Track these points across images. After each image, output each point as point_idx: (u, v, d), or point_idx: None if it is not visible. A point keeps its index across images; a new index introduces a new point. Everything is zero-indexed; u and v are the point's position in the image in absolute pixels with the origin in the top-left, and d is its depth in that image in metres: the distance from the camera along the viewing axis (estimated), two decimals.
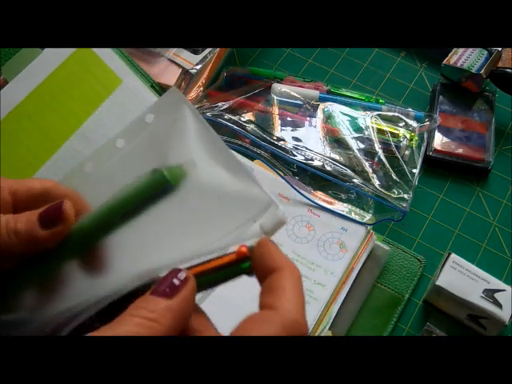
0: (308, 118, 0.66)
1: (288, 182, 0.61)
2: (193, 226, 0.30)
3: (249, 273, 0.30)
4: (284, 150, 0.62)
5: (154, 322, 0.27)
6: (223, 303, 0.54)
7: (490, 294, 0.55)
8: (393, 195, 0.60)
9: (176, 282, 0.28)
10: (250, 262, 0.30)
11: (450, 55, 0.71)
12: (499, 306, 0.55)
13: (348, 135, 0.65)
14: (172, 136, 0.32)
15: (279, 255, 0.31)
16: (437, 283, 0.56)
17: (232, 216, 0.30)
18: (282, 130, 0.65)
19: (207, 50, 0.68)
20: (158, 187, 0.30)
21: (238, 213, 0.30)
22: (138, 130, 0.33)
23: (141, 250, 0.31)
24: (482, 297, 0.55)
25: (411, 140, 0.65)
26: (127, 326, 0.26)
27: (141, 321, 0.26)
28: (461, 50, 0.71)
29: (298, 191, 0.61)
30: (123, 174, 0.32)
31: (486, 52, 0.70)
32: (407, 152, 0.65)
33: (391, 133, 0.65)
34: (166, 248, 0.30)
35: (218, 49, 0.70)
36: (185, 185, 0.30)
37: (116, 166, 0.33)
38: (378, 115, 0.66)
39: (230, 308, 0.54)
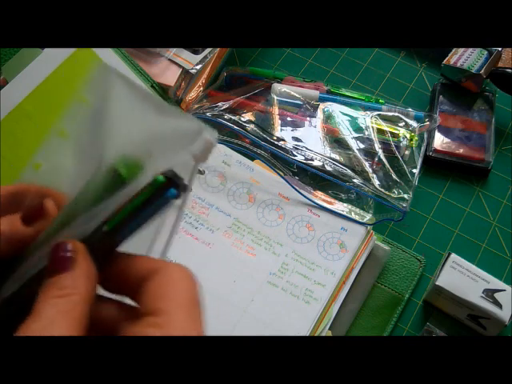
0: (308, 118, 0.66)
1: (288, 182, 0.61)
2: None
3: (169, 197, 0.28)
4: (284, 150, 0.62)
5: (69, 295, 0.27)
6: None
7: (490, 293, 0.55)
8: (393, 195, 0.60)
9: (66, 254, 0.28)
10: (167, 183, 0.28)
11: (450, 55, 0.71)
12: (499, 305, 0.55)
13: (348, 135, 0.65)
14: (107, 113, 0.32)
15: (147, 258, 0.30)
16: (437, 283, 0.56)
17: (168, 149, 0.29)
18: (281, 129, 0.65)
19: (207, 50, 0.68)
20: (115, 185, 0.30)
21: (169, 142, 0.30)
22: (75, 111, 0.33)
23: None
24: (481, 297, 0.55)
25: (411, 140, 0.65)
26: (48, 311, 0.26)
27: (57, 300, 0.27)
28: (461, 49, 0.71)
29: (298, 191, 0.61)
30: (74, 164, 0.32)
31: (485, 52, 0.70)
32: (407, 152, 0.65)
33: (391, 133, 0.65)
34: None
35: (217, 49, 0.70)
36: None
37: (64, 158, 0.32)
38: (378, 115, 0.66)
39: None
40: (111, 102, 0.32)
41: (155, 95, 0.32)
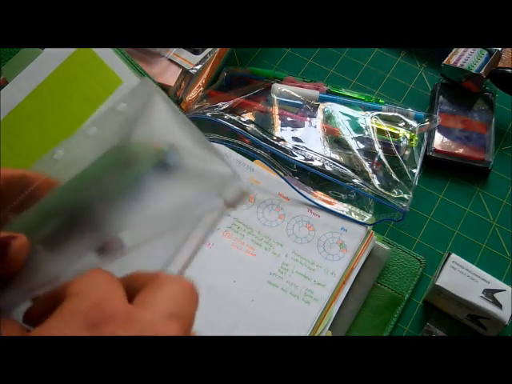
0: (308, 118, 0.66)
1: (288, 182, 0.61)
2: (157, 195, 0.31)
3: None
4: (284, 150, 0.62)
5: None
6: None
7: (489, 294, 0.55)
8: (393, 195, 0.60)
9: None
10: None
11: (450, 55, 0.71)
12: (499, 306, 0.55)
13: (348, 135, 0.65)
14: (141, 121, 0.33)
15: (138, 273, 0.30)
16: (437, 283, 0.56)
17: (194, 186, 0.30)
18: (281, 130, 0.65)
19: (207, 50, 0.68)
20: (121, 162, 0.31)
21: (202, 184, 0.30)
22: (109, 118, 0.34)
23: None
24: (481, 297, 0.55)
25: (411, 140, 0.65)
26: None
27: None
28: (461, 49, 0.71)
29: (298, 191, 0.61)
30: (92, 159, 0.32)
31: (485, 52, 0.70)
32: (407, 152, 0.65)
33: (391, 133, 0.65)
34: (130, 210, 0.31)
35: (217, 49, 0.70)
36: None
37: (86, 152, 0.33)
38: (378, 115, 0.66)
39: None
40: (149, 117, 0.32)
41: (196, 128, 0.34)
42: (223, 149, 0.64)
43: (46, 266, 0.29)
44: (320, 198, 0.62)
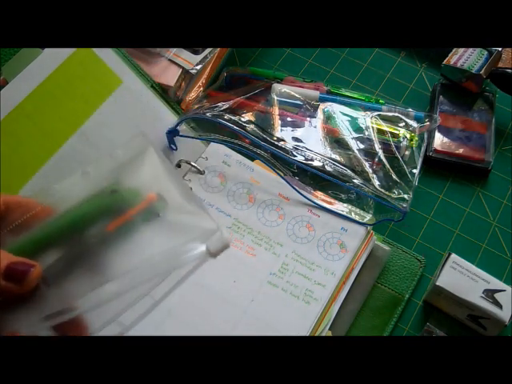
0: (308, 119, 0.66)
1: (288, 183, 0.61)
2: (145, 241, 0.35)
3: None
4: (284, 150, 0.62)
5: None
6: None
7: (489, 294, 0.55)
8: (393, 195, 0.60)
9: None
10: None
11: (450, 55, 0.71)
12: (499, 306, 0.55)
13: (348, 135, 0.65)
14: (134, 168, 0.37)
15: None
16: (437, 283, 0.56)
17: (181, 236, 0.34)
18: (282, 130, 0.65)
19: (207, 50, 0.68)
20: (116, 205, 0.35)
21: (187, 234, 0.34)
22: (104, 162, 0.37)
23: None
24: (481, 297, 0.55)
25: (411, 140, 0.65)
26: None
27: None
28: (461, 50, 0.71)
29: (298, 191, 0.61)
30: (85, 196, 0.36)
31: (485, 52, 0.70)
32: (407, 152, 0.65)
33: (391, 133, 0.65)
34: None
35: (218, 49, 0.70)
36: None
37: (80, 189, 0.36)
38: (378, 115, 0.66)
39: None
40: (141, 165, 0.37)
41: (185, 183, 0.39)
42: (223, 149, 0.64)
43: (51, 297, 0.32)
44: (320, 198, 0.62)
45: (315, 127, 0.66)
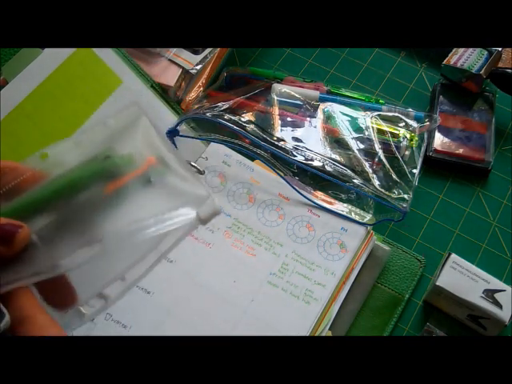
0: (308, 119, 0.66)
1: (288, 183, 0.61)
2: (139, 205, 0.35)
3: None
4: (284, 150, 0.62)
5: None
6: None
7: (489, 294, 0.55)
8: (393, 195, 0.60)
9: None
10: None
11: (450, 55, 0.71)
12: (499, 306, 0.55)
13: (348, 135, 0.65)
14: (127, 135, 0.37)
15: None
16: (437, 283, 0.56)
17: (174, 200, 0.35)
18: (282, 130, 0.65)
19: (207, 50, 0.68)
20: (109, 170, 0.35)
21: (179, 199, 0.35)
22: (97, 130, 0.37)
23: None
24: (481, 297, 0.55)
25: (411, 140, 0.65)
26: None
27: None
28: (461, 50, 0.71)
29: (298, 191, 0.61)
30: (78, 162, 0.35)
31: (486, 52, 0.70)
32: (407, 152, 0.65)
33: (391, 133, 0.65)
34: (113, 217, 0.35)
35: (218, 49, 0.70)
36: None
37: (72, 156, 0.36)
38: (378, 115, 0.66)
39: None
40: (134, 133, 0.37)
41: (178, 152, 0.39)
42: (223, 149, 0.64)
43: (40, 257, 0.32)
44: (320, 198, 0.62)
45: (315, 127, 0.66)
